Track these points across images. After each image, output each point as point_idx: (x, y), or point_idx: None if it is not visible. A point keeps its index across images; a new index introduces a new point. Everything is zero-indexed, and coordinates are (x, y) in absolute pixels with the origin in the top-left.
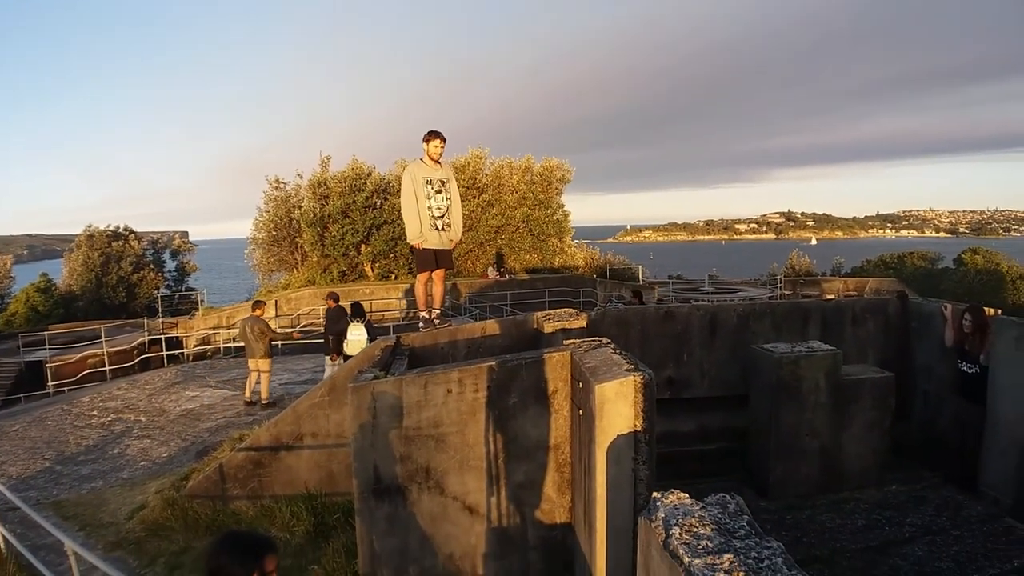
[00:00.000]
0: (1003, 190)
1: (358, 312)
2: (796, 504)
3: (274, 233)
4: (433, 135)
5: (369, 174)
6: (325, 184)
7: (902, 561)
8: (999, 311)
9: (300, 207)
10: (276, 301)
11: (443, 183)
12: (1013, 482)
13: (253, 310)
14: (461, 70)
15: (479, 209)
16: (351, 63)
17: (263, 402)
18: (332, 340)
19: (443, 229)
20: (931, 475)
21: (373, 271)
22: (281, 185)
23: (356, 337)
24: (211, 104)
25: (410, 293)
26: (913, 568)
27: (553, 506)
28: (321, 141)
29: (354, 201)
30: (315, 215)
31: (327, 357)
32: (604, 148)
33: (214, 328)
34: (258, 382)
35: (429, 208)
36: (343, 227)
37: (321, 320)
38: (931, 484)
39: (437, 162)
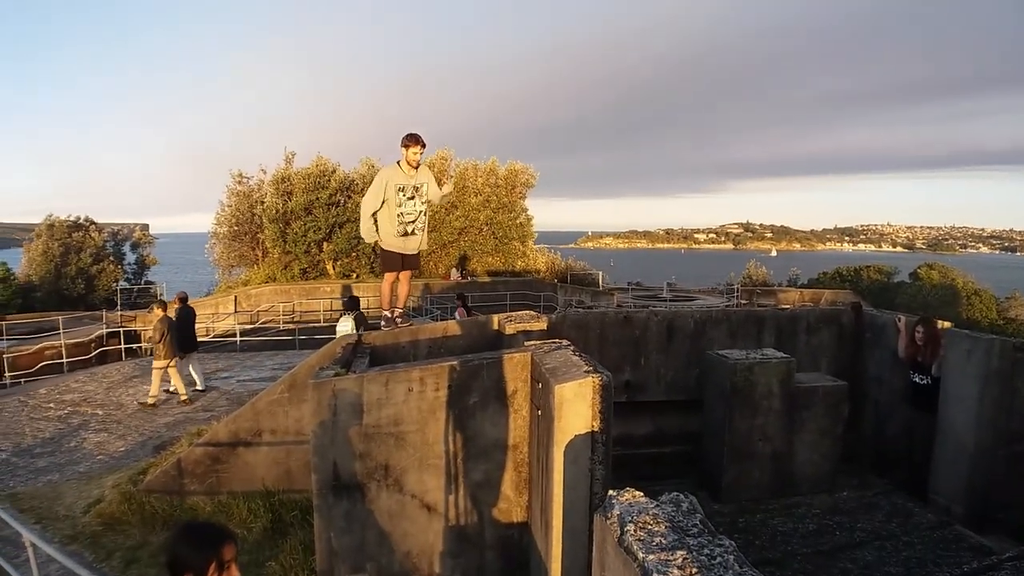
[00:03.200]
0: (961, 207)
1: (353, 305)
2: (748, 508)
3: (235, 228)
4: (412, 141)
5: (334, 171)
6: (289, 180)
7: (852, 565)
8: (952, 324)
9: (263, 202)
10: (235, 297)
11: (416, 189)
12: (963, 491)
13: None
14: (429, 72)
15: (443, 211)
16: (319, 61)
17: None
18: (175, 342)
19: (411, 234)
20: (882, 482)
21: (334, 269)
22: (244, 180)
23: (343, 328)
24: (176, 95)
25: (361, 292)
26: (863, 572)
27: (510, 505)
28: (286, 138)
29: (317, 198)
30: (277, 211)
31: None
32: (568, 154)
33: None
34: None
35: (400, 215)
36: (305, 224)
37: (280, 317)
38: (882, 491)
39: (414, 167)
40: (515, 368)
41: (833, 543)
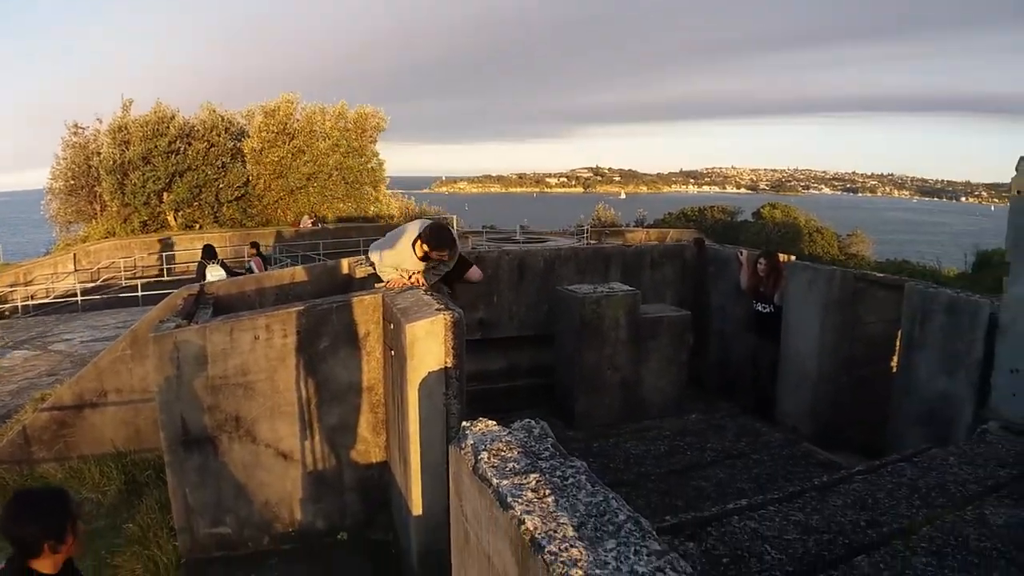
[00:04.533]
0: (803, 151)
1: (212, 254)
2: (601, 433)
3: (72, 182)
4: (438, 246)
5: (173, 118)
6: (126, 129)
7: (705, 483)
8: (794, 258)
9: (99, 154)
10: (75, 255)
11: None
12: (808, 413)
13: None
14: (268, 10)
15: (289, 156)
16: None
17: None
18: None
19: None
20: (728, 405)
21: (176, 221)
22: (80, 131)
23: (216, 276)
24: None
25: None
26: (716, 489)
27: (368, 446)
28: (123, 86)
29: (156, 146)
30: (115, 161)
31: None
32: (418, 99)
33: (11, 286)
34: None
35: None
36: (144, 174)
37: (122, 273)
38: (729, 413)
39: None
40: (366, 310)
41: (685, 463)
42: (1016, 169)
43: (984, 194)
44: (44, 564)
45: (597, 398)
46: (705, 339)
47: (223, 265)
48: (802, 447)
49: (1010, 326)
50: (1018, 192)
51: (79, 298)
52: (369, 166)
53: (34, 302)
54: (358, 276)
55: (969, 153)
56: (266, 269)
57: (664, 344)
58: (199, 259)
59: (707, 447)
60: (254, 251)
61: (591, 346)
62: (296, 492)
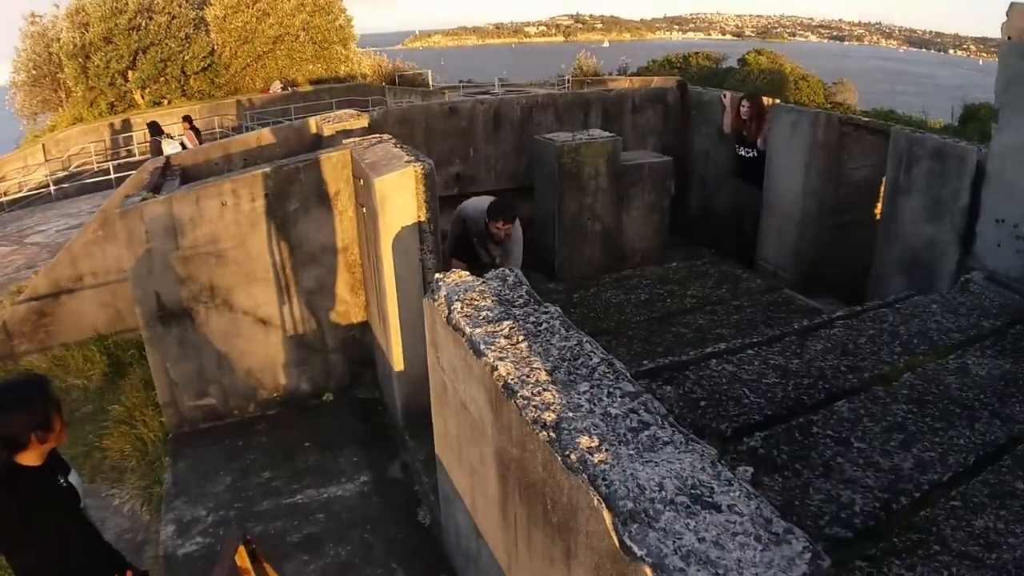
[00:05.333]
0: None
1: (159, 129)
2: (582, 283)
3: (34, 72)
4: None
5: None
6: (84, 11)
7: (685, 329)
8: (777, 100)
9: (59, 40)
10: (44, 145)
11: None
12: (790, 258)
13: None
14: None
15: (254, 20)
16: None
17: None
18: None
19: None
20: (710, 252)
21: (143, 99)
22: (37, 20)
23: (173, 149)
24: None
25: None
26: (696, 335)
27: (348, 307)
28: None
29: (116, 25)
30: (75, 45)
31: None
32: None
33: None
34: None
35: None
36: (107, 54)
37: (94, 158)
38: (710, 260)
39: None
40: (334, 168)
41: (665, 310)
42: (1007, 15)
43: (973, 47)
44: (30, 456)
45: (577, 249)
46: (687, 185)
47: (171, 137)
48: (783, 293)
49: (997, 175)
50: (1008, 38)
51: (52, 188)
52: (337, 24)
53: (7, 198)
54: (327, 134)
55: (959, 5)
56: (200, 143)
57: (646, 191)
58: (150, 138)
59: (687, 294)
60: (187, 124)
61: (570, 196)
62: (279, 357)
